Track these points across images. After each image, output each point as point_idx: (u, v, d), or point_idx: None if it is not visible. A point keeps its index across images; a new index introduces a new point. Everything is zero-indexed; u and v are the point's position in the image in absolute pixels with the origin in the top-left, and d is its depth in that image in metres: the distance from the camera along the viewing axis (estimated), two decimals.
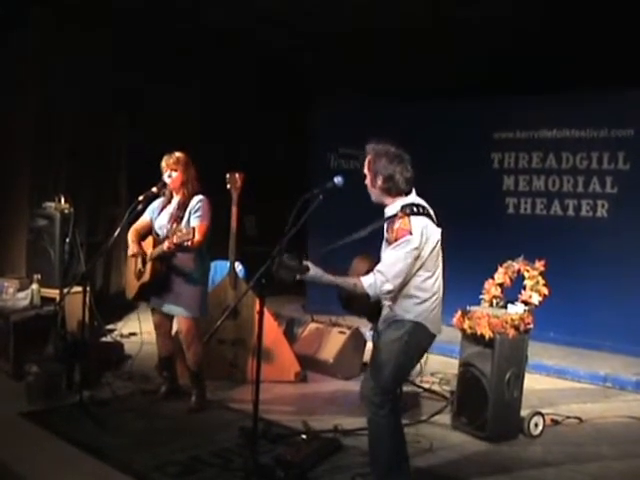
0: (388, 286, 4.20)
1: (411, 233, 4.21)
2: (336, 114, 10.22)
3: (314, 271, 4.22)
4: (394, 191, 4.39)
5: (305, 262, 4.22)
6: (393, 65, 9.55)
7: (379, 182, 4.39)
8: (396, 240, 4.23)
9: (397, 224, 4.28)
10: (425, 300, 4.35)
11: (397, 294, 4.31)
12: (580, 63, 8.35)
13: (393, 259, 4.22)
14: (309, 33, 9.29)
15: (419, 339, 4.40)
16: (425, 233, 4.26)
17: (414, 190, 4.46)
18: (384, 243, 4.45)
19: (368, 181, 4.47)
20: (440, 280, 4.46)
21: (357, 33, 9.11)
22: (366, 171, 4.47)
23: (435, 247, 4.35)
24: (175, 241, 5.59)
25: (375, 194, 4.48)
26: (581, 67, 8.35)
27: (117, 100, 9.54)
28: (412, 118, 9.67)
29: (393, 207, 4.40)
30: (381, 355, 4.41)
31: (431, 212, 4.43)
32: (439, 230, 4.40)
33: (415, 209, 4.32)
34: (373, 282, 4.20)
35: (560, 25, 8.27)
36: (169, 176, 6.02)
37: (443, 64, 9.18)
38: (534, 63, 8.63)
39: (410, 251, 4.21)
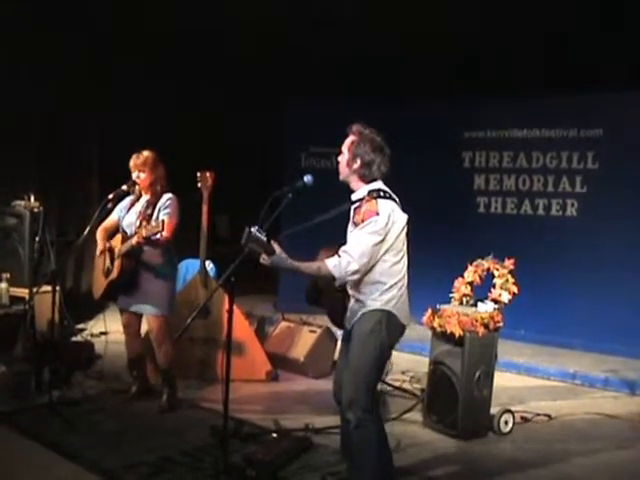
0: (354, 266, 4.14)
1: (378, 214, 4.18)
2: (307, 114, 10.22)
3: (279, 255, 4.16)
4: (367, 178, 4.36)
5: (272, 243, 4.15)
6: (364, 66, 9.56)
7: (355, 165, 4.34)
8: (363, 221, 4.20)
9: (364, 207, 4.25)
10: (392, 286, 4.28)
11: (363, 281, 4.26)
12: (550, 63, 8.42)
13: (359, 239, 4.18)
14: (281, 33, 9.28)
15: (390, 327, 4.28)
16: (392, 216, 4.23)
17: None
18: (350, 226, 4.40)
19: (343, 160, 4.42)
20: (405, 267, 4.40)
21: (328, 35, 9.12)
22: (345, 150, 4.41)
23: (401, 232, 4.32)
24: (144, 234, 5.57)
25: (345, 174, 4.42)
26: (551, 67, 8.42)
27: (88, 98, 9.46)
28: (383, 118, 9.62)
29: (361, 191, 4.37)
30: (358, 353, 4.29)
31: (397, 199, 4.40)
32: (405, 216, 4.36)
33: (382, 193, 4.30)
34: (338, 263, 4.15)
35: (529, 26, 8.33)
36: (137, 177, 6.02)
37: (415, 64, 9.20)
38: (505, 63, 8.68)
39: (376, 231, 4.17)
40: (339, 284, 4.32)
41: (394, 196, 4.38)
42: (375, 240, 4.18)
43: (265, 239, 4.11)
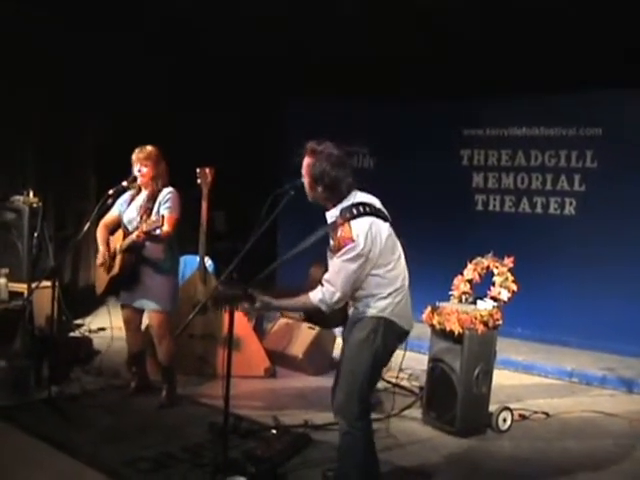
0: (338, 295, 4.04)
1: (353, 240, 4.01)
2: (305, 113, 10.23)
3: (261, 300, 4.08)
4: (336, 198, 4.18)
5: (250, 291, 4.06)
6: (364, 66, 9.55)
7: (319, 189, 4.16)
8: (339, 249, 4.05)
9: (339, 232, 4.08)
10: (389, 294, 4.17)
11: (357, 294, 4.17)
12: (549, 62, 8.42)
13: (339, 267, 4.04)
14: (281, 33, 9.29)
15: (387, 335, 4.18)
16: (370, 235, 4.05)
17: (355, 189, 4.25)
18: (328, 252, 4.24)
19: (306, 184, 4.22)
20: (402, 271, 4.28)
21: (328, 35, 9.12)
22: (304, 173, 4.21)
23: (386, 242, 4.15)
24: (145, 229, 5.56)
25: (311, 197, 4.26)
26: (550, 66, 8.42)
27: (88, 96, 9.47)
28: (382, 116, 9.71)
29: (333, 212, 4.19)
30: (352, 361, 4.23)
31: (377, 205, 4.25)
32: (387, 224, 4.21)
33: (355, 211, 4.10)
34: (322, 296, 4.05)
35: (529, 25, 8.33)
36: (139, 170, 5.95)
37: (413, 63, 9.20)
38: (505, 62, 8.68)
39: (355, 257, 4.01)
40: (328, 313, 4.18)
41: (372, 205, 4.21)
42: (354, 266, 4.04)
43: (237, 291, 4.05)
